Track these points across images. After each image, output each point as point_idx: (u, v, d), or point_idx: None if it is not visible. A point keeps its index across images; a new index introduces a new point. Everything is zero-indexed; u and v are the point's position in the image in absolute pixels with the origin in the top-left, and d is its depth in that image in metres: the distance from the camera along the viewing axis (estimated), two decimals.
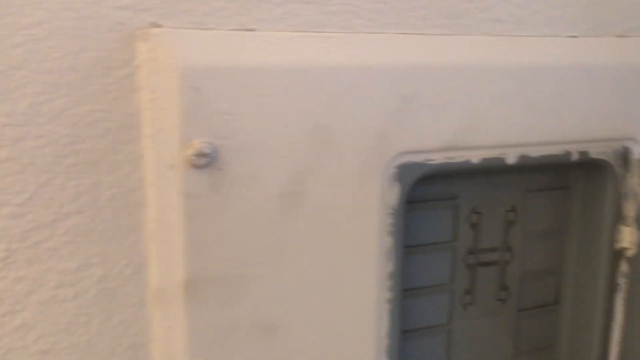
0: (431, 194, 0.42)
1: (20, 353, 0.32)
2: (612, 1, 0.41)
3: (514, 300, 0.46)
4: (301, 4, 0.33)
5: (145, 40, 0.31)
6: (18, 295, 0.31)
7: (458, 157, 0.38)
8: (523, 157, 0.40)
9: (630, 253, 0.44)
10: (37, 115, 0.30)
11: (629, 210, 0.44)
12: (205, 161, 0.32)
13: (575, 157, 0.42)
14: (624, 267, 0.44)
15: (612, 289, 0.45)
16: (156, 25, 0.31)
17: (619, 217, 0.44)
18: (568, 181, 0.46)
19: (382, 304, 0.38)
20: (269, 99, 0.33)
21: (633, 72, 0.42)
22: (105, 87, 0.31)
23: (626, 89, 0.42)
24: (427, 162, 0.38)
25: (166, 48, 0.31)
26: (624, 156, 0.43)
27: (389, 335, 0.39)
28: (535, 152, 0.40)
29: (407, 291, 0.43)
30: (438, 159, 0.38)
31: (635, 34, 0.43)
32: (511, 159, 0.40)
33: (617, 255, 0.44)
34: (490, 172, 0.42)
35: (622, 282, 0.45)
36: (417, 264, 0.43)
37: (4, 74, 0.29)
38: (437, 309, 0.44)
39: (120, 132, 0.32)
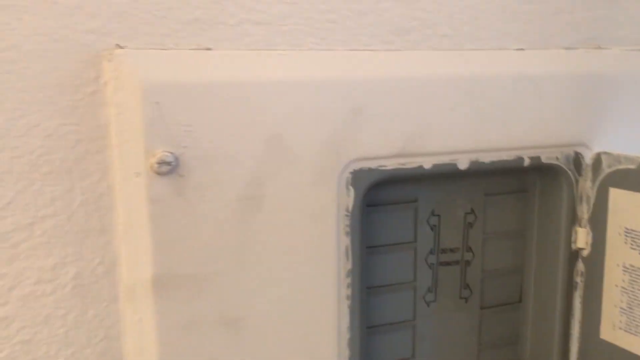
0: (392, 198, 0.45)
1: (3, 343, 0.36)
2: (558, 16, 0.44)
3: (477, 298, 0.49)
4: (255, 24, 0.37)
5: (110, 60, 0.34)
6: (1, 290, 0.35)
7: (410, 163, 0.41)
8: (475, 163, 0.43)
9: (585, 253, 0.46)
10: (13, 129, 0.33)
11: (583, 212, 0.46)
12: (167, 169, 0.35)
13: (527, 162, 0.44)
14: (580, 266, 0.47)
15: (570, 287, 0.47)
16: (120, 47, 0.34)
17: (574, 219, 0.46)
18: (526, 185, 0.48)
19: (343, 300, 0.41)
20: (225, 112, 0.36)
21: (581, 82, 0.45)
22: (75, 103, 0.34)
23: (575, 98, 0.45)
24: (380, 168, 0.40)
25: (129, 67, 0.34)
26: (576, 161, 0.45)
27: (350, 329, 0.41)
28: (486, 157, 0.43)
29: (371, 289, 0.46)
30: (391, 165, 0.41)
31: (583, 46, 0.45)
32: (463, 164, 0.42)
33: (574, 255, 0.47)
34: (446, 176, 0.44)
35: (579, 280, 0.47)
36: (381, 263, 0.46)
37: None
38: (402, 305, 0.47)
39: (90, 143, 0.35)
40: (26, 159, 0.34)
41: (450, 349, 0.49)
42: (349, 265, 0.41)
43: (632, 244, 0.43)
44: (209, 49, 0.36)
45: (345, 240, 0.40)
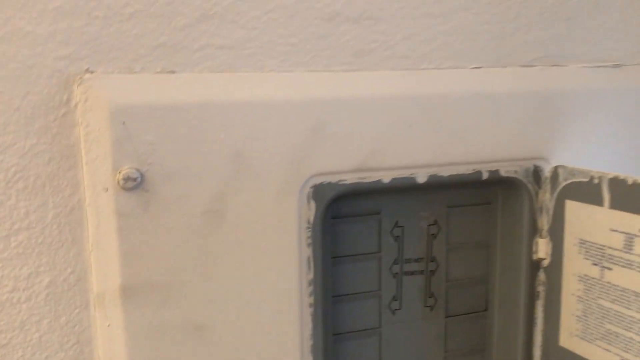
0: (356, 210, 0.47)
1: None
2: (515, 35, 0.46)
3: (442, 306, 0.51)
4: (217, 49, 0.39)
5: (80, 84, 0.37)
6: None
7: (369, 177, 0.43)
8: (433, 177, 0.45)
9: (546, 263, 0.48)
10: None
11: (543, 223, 0.48)
12: (133, 184, 0.38)
13: (486, 176, 0.46)
14: (541, 276, 0.48)
15: (532, 296, 0.49)
16: (89, 71, 0.37)
17: (535, 230, 0.48)
18: (488, 197, 0.50)
19: (305, 307, 0.43)
20: (189, 131, 0.38)
21: (538, 98, 0.46)
22: (48, 124, 0.37)
23: (533, 114, 0.46)
24: (340, 183, 0.43)
25: (97, 90, 0.37)
26: (535, 174, 0.47)
27: (313, 336, 0.44)
28: (445, 171, 0.45)
29: (337, 297, 0.48)
30: (350, 179, 0.43)
31: (539, 63, 0.47)
32: (421, 178, 0.44)
33: (535, 265, 0.48)
34: (408, 189, 0.46)
35: (540, 290, 0.49)
36: (346, 272, 0.48)
37: None
38: (368, 314, 0.49)
39: (62, 160, 0.38)
40: (2, 175, 0.37)
41: (416, 357, 0.51)
42: (311, 275, 0.43)
43: (585, 255, 0.44)
44: (173, 72, 0.39)
45: (307, 251, 0.42)
